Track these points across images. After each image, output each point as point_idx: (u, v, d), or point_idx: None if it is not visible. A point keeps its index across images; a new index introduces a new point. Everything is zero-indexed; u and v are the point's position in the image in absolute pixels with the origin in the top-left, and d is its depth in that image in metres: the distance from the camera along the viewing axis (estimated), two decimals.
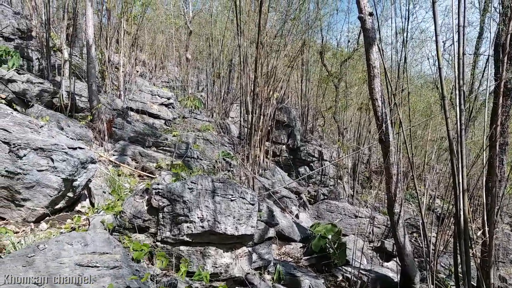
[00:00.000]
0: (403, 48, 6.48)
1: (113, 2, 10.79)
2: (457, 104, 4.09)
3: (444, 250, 7.64)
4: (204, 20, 16.75)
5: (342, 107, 11.63)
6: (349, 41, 13.18)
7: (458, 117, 4.12)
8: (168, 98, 12.62)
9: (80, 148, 4.63)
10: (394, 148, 5.34)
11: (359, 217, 7.40)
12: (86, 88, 7.80)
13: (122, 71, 10.95)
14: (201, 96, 16.61)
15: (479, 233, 7.64)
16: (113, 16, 10.98)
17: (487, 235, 5.56)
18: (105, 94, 9.91)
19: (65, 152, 4.27)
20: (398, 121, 6.35)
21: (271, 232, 5.35)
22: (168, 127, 10.88)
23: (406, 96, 7.46)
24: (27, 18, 9.86)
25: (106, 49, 10.65)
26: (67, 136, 5.50)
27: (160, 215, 3.86)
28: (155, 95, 12.38)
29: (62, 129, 6.49)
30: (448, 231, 6.71)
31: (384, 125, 5.08)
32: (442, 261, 8.24)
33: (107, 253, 3.20)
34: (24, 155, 3.88)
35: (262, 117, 8.29)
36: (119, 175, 5.82)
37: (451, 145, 4.06)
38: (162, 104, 12.35)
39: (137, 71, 15.22)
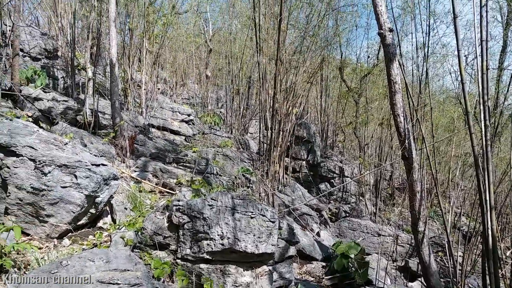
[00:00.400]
0: (424, 63, 6.39)
1: (136, 22, 11.12)
2: (482, 119, 3.98)
3: (471, 271, 7.33)
4: (223, 38, 17.05)
5: (363, 122, 11.51)
6: (368, 57, 13.14)
7: (483, 132, 4.00)
8: (188, 115, 12.80)
9: (103, 164, 4.71)
10: (418, 165, 5.22)
11: (382, 235, 7.21)
12: (109, 105, 8.00)
13: (144, 89, 11.20)
14: (220, 112, 16.79)
15: (508, 252, 7.31)
16: (135, 36, 11.31)
17: None
18: (127, 112, 10.14)
19: (88, 168, 4.35)
20: (420, 137, 6.22)
21: (292, 251, 5.26)
22: (188, 143, 11.00)
23: (428, 112, 7.33)
24: (54, 38, 10.28)
25: (129, 67, 10.94)
26: (90, 153, 5.61)
27: (181, 232, 3.86)
28: (175, 111, 12.58)
29: (85, 146, 6.64)
30: (475, 250, 6.44)
31: (406, 141, 4.98)
32: (470, 282, 7.90)
33: (129, 270, 3.21)
34: (49, 172, 3.97)
35: (281, 132, 8.28)
36: (140, 191, 5.89)
37: (477, 161, 3.93)
38: (182, 120, 12.53)
39: (159, 89, 15.55)
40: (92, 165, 4.46)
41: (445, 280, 7.27)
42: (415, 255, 7.43)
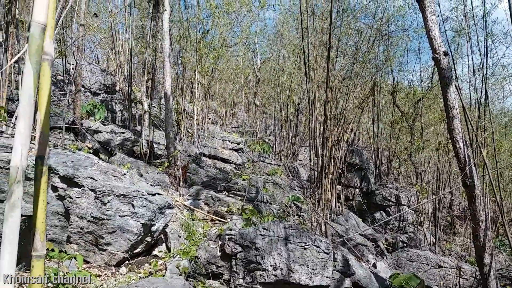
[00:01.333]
0: (483, 85, 6.07)
1: (188, 56, 11.72)
2: None
3: None
4: (272, 67, 17.43)
5: (419, 148, 11.02)
6: (422, 81, 12.72)
7: None
8: (238, 143, 13.05)
9: (159, 194, 4.89)
10: (480, 192, 4.87)
11: (444, 267, 6.71)
12: (164, 136, 8.37)
13: (196, 119, 11.64)
14: (269, 140, 16.96)
15: None
16: (187, 69, 11.89)
17: None
18: (180, 142, 10.56)
19: (145, 198, 4.53)
20: (482, 162, 5.83)
21: (347, 283, 5.04)
22: (238, 171, 11.15)
23: (489, 136, 6.88)
24: (112, 74, 11.10)
25: (182, 99, 11.47)
26: (146, 183, 5.87)
27: (233, 261, 3.87)
28: (225, 140, 12.89)
29: (141, 175, 6.96)
30: None
31: (467, 168, 4.69)
32: None
33: None
34: (108, 202, 4.18)
35: (332, 159, 8.15)
36: (193, 220, 6.01)
37: None
38: (232, 149, 12.78)
39: (209, 119, 16.09)
40: (149, 194, 4.64)
41: None
42: None
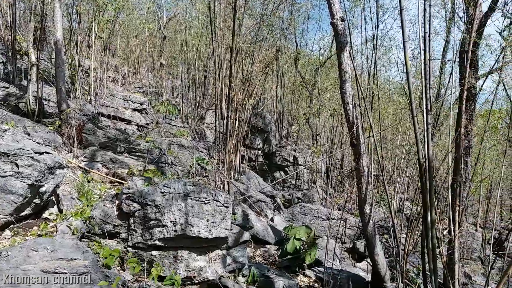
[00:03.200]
0: (373, 55, 6.67)
1: (84, 6, 10.58)
2: (424, 106, 4.24)
3: (413, 250, 7.84)
4: (178, 25, 16.68)
5: (316, 113, 11.80)
6: (320, 48, 13.44)
7: (424, 118, 4.26)
8: (141, 104, 12.45)
9: (47, 153, 4.49)
10: (364, 151, 5.47)
11: (332, 219, 7.50)
12: (55, 92, 7.59)
13: (93, 76, 10.73)
14: (176, 102, 16.48)
15: (445, 232, 7.89)
16: (84, 21, 10.78)
17: (452, 234, 5.75)
18: (75, 99, 9.68)
19: (31, 157, 4.14)
20: (368, 125, 6.51)
21: (246, 236, 5.35)
22: (141, 133, 10.73)
23: (376, 101, 7.67)
24: None
25: (76, 53, 10.42)
26: (34, 141, 5.33)
27: (131, 220, 3.80)
28: (127, 100, 12.19)
29: (28, 134, 6.28)
30: (417, 232, 6.91)
31: (354, 128, 5.19)
32: (412, 260, 8.47)
33: (75, 259, 3.12)
34: None
35: (237, 122, 8.31)
36: (89, 182, 5.69)
37: (418, 145, 4.20)
38: (134, 109, 12.17)
39: (109, 76, 14.97)
40: (35, 153, 4.24)
41: (390, 260, 7.73)
42: (362, 237, 7.83)
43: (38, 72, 8.42)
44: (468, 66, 5.32)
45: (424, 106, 4.23)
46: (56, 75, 7.31)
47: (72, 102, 8.92)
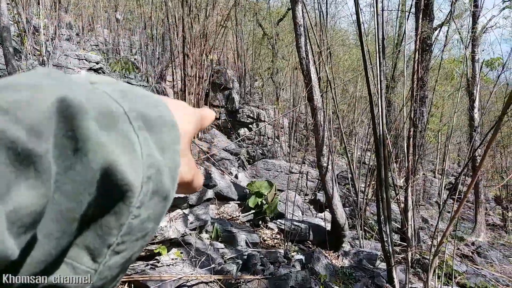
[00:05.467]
0: (326, 6, 6.60)
1: None
2: (377, 57, 4.29)
3: (372, 199, 8.28)
4: None
5: (279, 68, 11.70)
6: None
7: (378, 69, 4.33)
8: (97, 62, 11.86)
9: None
10: (321, 105, 5.55)
11: (294, 172, 7.72)
12: (2, 54, 7.07)
13: (44, 34, 10.03)
14: (135, 59, 15.77)
15: (401, 181, 8.34)
16: None
17: (408, 182, 6.09)
18: (25, 61, 9.09)
19: None
20: (325, 78, 6.55)
21: (210, 194, 5.44)
22: None
23: (333, 54, 7.68)
24: None
25: (24, 9, 9.65)
26: None
27: None
28: (82, 59, 11.56)
29: None
30: (376, 181, 7.27)
31: (311, 84, 5.22)
32: (372, 209, 8.93)
33: None
34: None
35: (197, 79, 8.13)
36: None
37: (370, 96, 4.29)
38: (90, 69, 11.59)
39: (63, 34, 14.05)
40: None
41: (350, 208, 8.14)
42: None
43: None
44: (420, 15, 5.37)
45: (377, 59, 4.28)
46: (1, 35, 6.76)
47: (23, 63, 8.38)
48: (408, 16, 6.70)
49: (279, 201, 6.25)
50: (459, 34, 8.29)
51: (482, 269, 7.25)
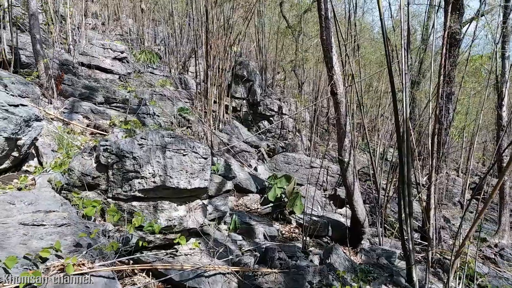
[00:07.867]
0: None
1: None
2: (402, 50, 4.18)
3: (394, 196, 8.14)
4: None
5: (302, 60, 11.58)
6: None
7: (403, 62, 4.21)
8: (122, 52, 12.01)
9: (23, 105, 4.39)
10: (345, 99, 5.46)
11: (314, 167, 7.67)
12: (30, 42, 7.25)
13: (70, 23, 10.23)
14: (158, 49, 15.92)
15: (424, 179, 8.15)
16: None
17: (431, 180, 5.94)
18: (52, 49, 9.30)
19: (5, 109, 4.05)
20: (350, 72, 6.43)
21: (229, 185, 5.46)
22: (122, 83, 10.47)
23: (361, 48, 7.52)
24: None
25: None
26: (8, 93, 5.18)
27: (110, 172, 3.82)
28: (107, 48, 11.73)
29: (6, 86, 6.08)
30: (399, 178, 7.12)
31: (335, 77, 5.15)
32: (393, 206, 8.79)
33: (54, 211, 3.16)
34: None
35: (220, 71, 8.14)
36: (68, 133, 5.63)
37: (394, 89, 4.19)
38: (115, 58, 11.76)
39: (89, 24, 14.29)
40: (10, 105, 4.15)
41: (371, 205, 8.03)
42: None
43: (11, 19, 7.97)
44: (449, 9, 5.19)
45: (403, 54, 4.17)
46: (30, 22, 6.93)
47: (50, 51, 8.57)
48: (438, 9, 6.48)
49: (301, 196, 6.23)
50: (489, 28, 7.98)
51: (504, 271, 7.06)
